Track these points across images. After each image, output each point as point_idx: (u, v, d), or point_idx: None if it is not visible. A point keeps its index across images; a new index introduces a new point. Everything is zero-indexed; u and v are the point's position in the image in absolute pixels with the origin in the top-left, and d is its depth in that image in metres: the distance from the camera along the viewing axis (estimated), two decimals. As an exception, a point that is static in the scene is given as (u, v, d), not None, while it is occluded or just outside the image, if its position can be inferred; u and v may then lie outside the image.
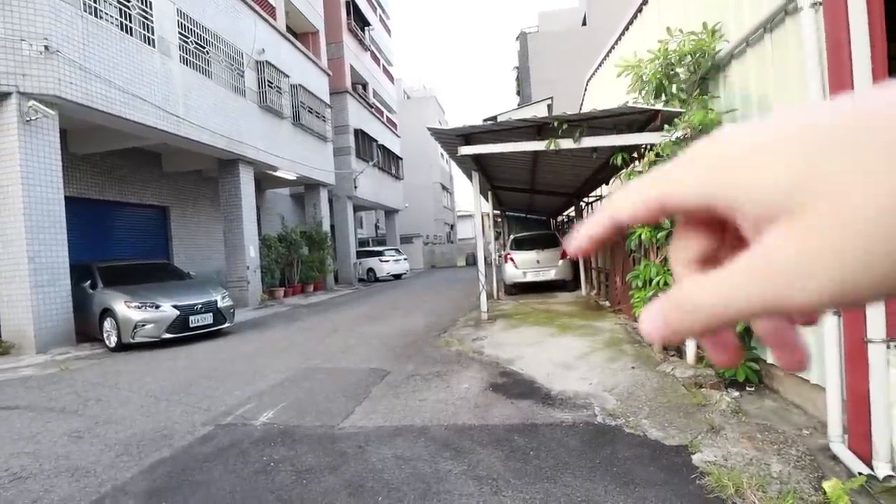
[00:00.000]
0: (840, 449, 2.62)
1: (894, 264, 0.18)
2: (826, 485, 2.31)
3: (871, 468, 2.38)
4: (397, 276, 22.20)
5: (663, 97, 5.09)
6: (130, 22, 8.87)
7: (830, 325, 2.70)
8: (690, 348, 4.66)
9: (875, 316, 2.40)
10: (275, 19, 14.45)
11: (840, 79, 2.57)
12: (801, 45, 3.03)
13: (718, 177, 0.22)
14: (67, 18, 7.57)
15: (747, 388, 3.86)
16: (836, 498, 2.19)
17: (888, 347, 2.39)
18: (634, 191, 0.26)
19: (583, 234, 0.28)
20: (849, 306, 0.20)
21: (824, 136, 0.20)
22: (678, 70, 4.91)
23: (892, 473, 2.30)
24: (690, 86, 4.87)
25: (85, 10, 7.91)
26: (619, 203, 0.26)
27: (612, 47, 8.61)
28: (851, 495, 2.23)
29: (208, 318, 7.95)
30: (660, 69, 4.92)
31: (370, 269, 21.62)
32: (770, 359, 3.79)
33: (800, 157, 0.20)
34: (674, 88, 5.02)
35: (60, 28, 7.42)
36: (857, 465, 2.43)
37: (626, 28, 7.69)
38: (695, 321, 0.23)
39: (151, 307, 7.34)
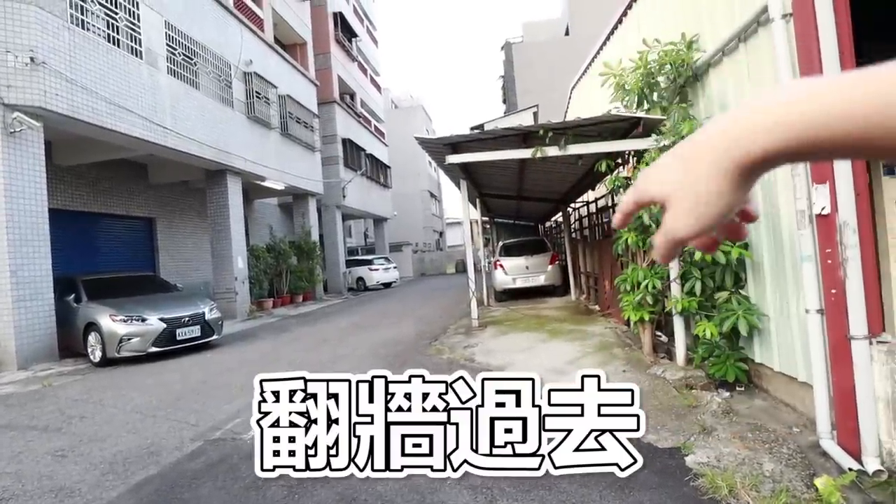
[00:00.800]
0: (830, 445, 2.64)
1: (702, 217, 0.43)
2: (818, 482, 2.33)
3: (861, 463, 2.41)
4: (387, 285, 22.11)
5: (645, 105, 5.17)
6: (118, 33, 8.82)
7: (814, 323, 2.74)
8: (680, 351, 4.69)
9: (857, 313, 2.44)
10: (263, 31, 14.46)
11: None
12: (773, 54, 3.10)
13: (650, 188, 0.48)
14: (54, 30, 7.50)
15: (737, 389, 3.89)
16: (828, 494, 2.21)
17: (871, 343, 2.43)
18: (626, 196, 0.51)
19: (617, 217, 0.56)
20: (702, 234, 0.45)
21: (676, 161, 0.45)
22: (658, 79, 5.00)
23: (880, 468, 2.33)
24: (671, 94, 4.96)
25: (71, 22, 7.85)
26: (623, 202, 0.53)
27: (595, 57, 8.74)
28: (843, 491, 2.25)
29: (196, 331, 7.83)
30: (641, 78, 5.01)
31: (360, 278, 21.51)
32: (758, 358, 3.83)
33: (666, 176, 0.46)
34: (655, 96, 5.11)
35: (46, 40, 7.35)
36: (846, 461, 2.46)
37: (608, 38, 7.83)
38: (661, 252, 0.49)
39: (137, 320, 7.22)
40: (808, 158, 0.40)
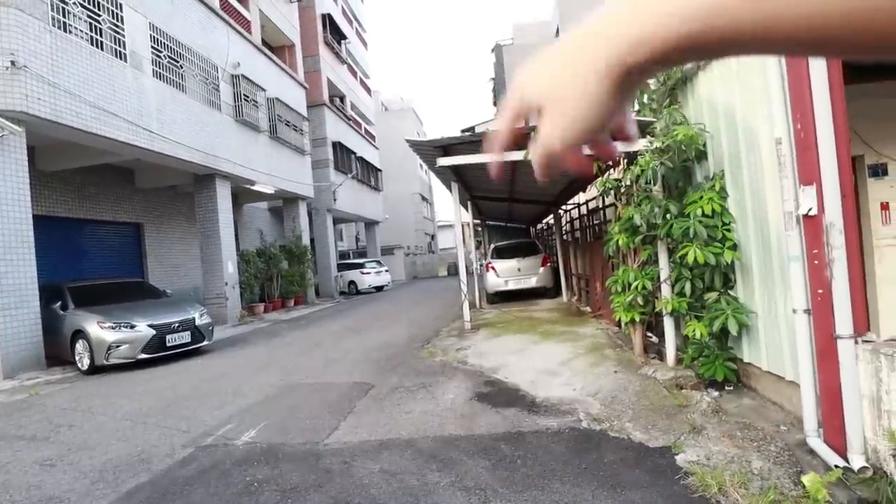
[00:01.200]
0: (816, 443, 2.69)
1: (576, 126, 0.39)
2: (805, 479, 2.37)
3: (847, 460, 2.45)
4: (379, 288, 22.06)
5: (635, 107, 5.23)
6: (101, 36, 8.71)
7: (801, 323, 2.79)
8: (670, 351, 4.74)
9: (843, 313, 2.49)
10: (250, 33, 14.38)
11: (799, 87, 2.69)
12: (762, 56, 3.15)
13: (526, 91, 0.42)
14: (35, 33, 7.39)
15: (726, 388, 3.95)
16: (815, 491, 2.26)
17: (856, 343, 2.48)
18: (504, 107, 0.45)
19: (496, 138, 0.48)
20: (574, 148, 0.41)
21: (553, 59, 0.40)
22: (648, 81, 5.06)
23: (866, 465, 2.38)
24: (661, 96, 5.02)
25: (53, 25, 7.74)
26: (501, 117, 0.46)
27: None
28: (829, 488, 2.30)
29: (186, 337, 7.76)
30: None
31: (351, 282, 21.44)
32: (747, 357, 3.88)
33: (541, 77, 0.40)
34: (645, 98, 5.17)
35: (28, 43, 7.25)
36: (833, 458, 2.50)
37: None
38: (536, 167, 0.44)
39: (126, 327, 7.13)
40: (704, 55, 0.35)
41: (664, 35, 0.33)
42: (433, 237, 47.39)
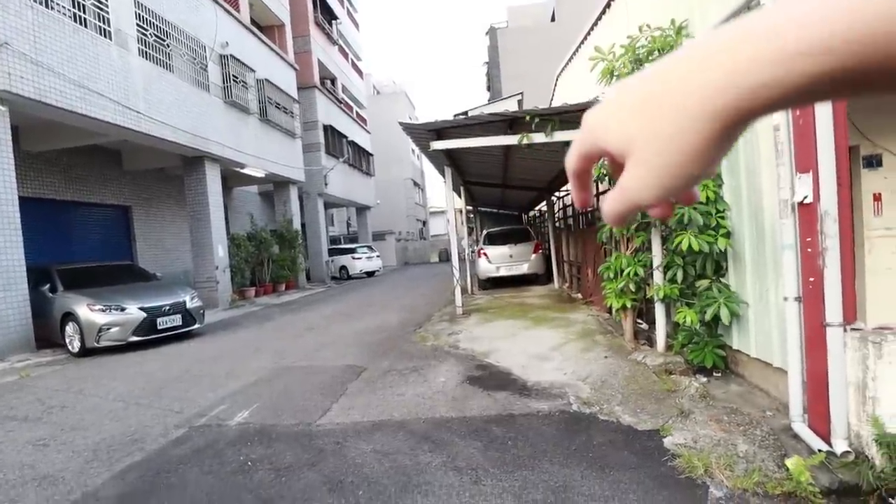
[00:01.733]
0: (801, 428, 2.76)
1: (673, 179, 0.33)
2: (788, 462, 2.44)
3: (830, 445, 2.52)
4: (370, 274, 22.05)
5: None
6: (84, 13, 8.46)
7: (792, 310, 2.83)
8: (660, 338, 4.81)
9: (833, 301, 2.54)
10: (238, 11, 14.05)
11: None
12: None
13: (603, 137, 0.36)
14: (16, 9, 7.16)
15: (714, 374, 4.02)
16: (798, 474, 2.32)
17: (845, 331, 2.53)
18: (571, 150, 0.40)
19: (571, 177, 0.42)
20: (665, 199, 0.35)
21: (640, 102, 0.34)
22: (646, 65, 5.03)
23: (848, 449, 2.45)
24: (658, 81, 4.99)
25: (35, 1, 7.50)
26: (568, 158, 0.41)
27: (582, 43, 8.74)
28: (812, 471, 2.36)
29: (177, 320, 7.72)
30: (629, 63, 5.03)
31: (343, 267, 21.40)
32: (736, 344, 3.95)
33: (626, 123, 0.34)
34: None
35: (8, 19, 7.02)
36: (817, 443, 2.57)
37: (595, 24, 7.82)
38: (611, 219, 0.38)
39: (116, 310, 7.08)
40: (833, 95, 0.29)
41: (796, 79, 0.27)
42: (425, 223, 47.30)
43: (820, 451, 2.50)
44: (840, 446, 2.47)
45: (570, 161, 0.40)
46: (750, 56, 0.28)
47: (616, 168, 0.38)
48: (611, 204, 0.37)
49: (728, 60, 0.29)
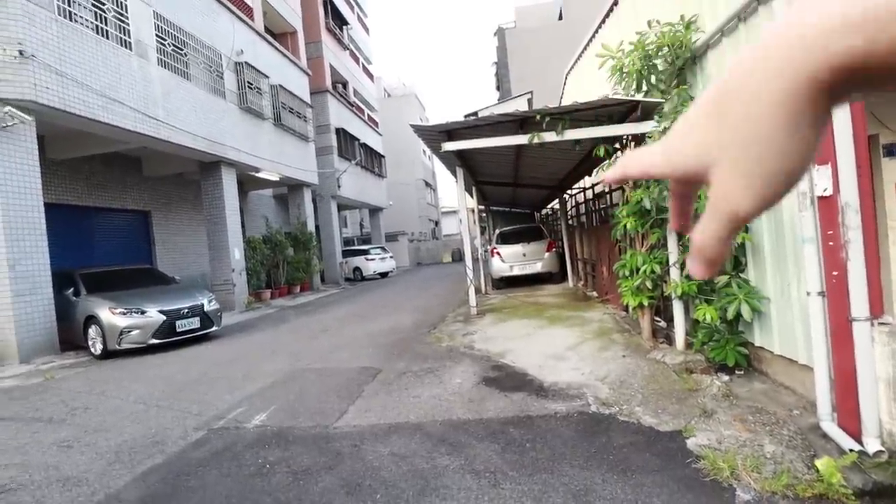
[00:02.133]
0: (830, 427, 2.67)
1: (773, 189, 0.29)
2: (818, 463, 2.36)
3: (861, 444, 2.43)
4: (384, 275, 22.11)
5: (644, 87, 5.14)
6: (106, 25, 8.66)
7: (816, 305, 2.75)
8: (679, 336, 4.73)
9: (858, 295, 2.46)
10: (252, 20, 14.24)
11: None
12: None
13: (681, 160, 0.33)
14: (42, 22, 7.37)
15: (737, 372, 3.93)
16: (829, 475, 2.25)
17: (872, 325, 2.45)
18: (635, 160, 0.37)
19: (606, 176, 0.41)
20: (773, 201, 0.30)
21: (711, 108, 0.31)
22: (656, 61, 4.96)
23: (881, 448, 2.36)
24: (669, 76, 4.92)
25: (59, 14, 7.71)
26: (627, 164, 0.38)
27: (590, 41, 8.67)
28: (844, 472, 2.28)
29: (195, 323, 7.83)
30: (638, 61, 4.96)
31: (356, 268, 21.50)
32: (758, 341, 3.86)
33: (702, 137, 0.31)
34: (653, 79, 5.07)
35: (35, 32, 7.23)
36: (847, 442, 2.49)
37: (603, 21, 7.75)
38: (715, 254, 0.33)
39: (137, 313, 7.20)
40: None
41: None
42: (437, 223, 47.35)
43: (851, 450, 2.42)
44: (872, 445, 2.39)
45: (637, 168, 0.37)
46: (834, 18, 0.25)
47: (680, 195, 0.37)
48: (704, 236, 0.33)
49: (808, 28, 0.26)
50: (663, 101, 4.79)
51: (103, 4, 8.64)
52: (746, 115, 0.28)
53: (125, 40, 9.07)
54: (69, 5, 7.95)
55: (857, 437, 2.47)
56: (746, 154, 0.29)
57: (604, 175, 0.42)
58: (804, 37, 0.26)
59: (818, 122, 0.27)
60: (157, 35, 9.94)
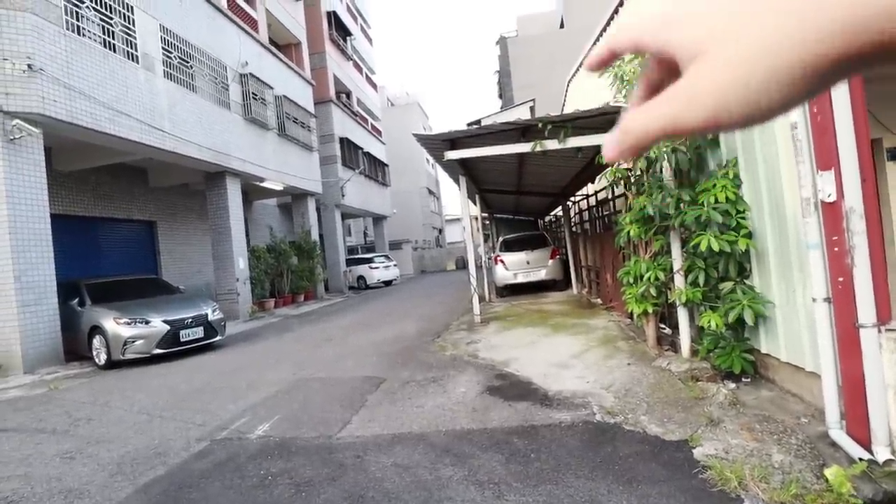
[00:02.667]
0: (839, 435, 2.63)
1: (751, 95, 0.25)
2: (828, 472, 2.32)
3: (871, 453, 2.39)
4: (388, 283, 22.11)
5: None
6: (113, 39, 8.80)
7: (822, 312, 2.72)
8: (685, 343, 4.68)
9: (865, 301, 2.43)
10: (257, 32, 14.41)
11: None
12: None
13: (662, 31, 0.28)
14: (50, 37, 7.49)
15: (743, 380, 3.89)
16: (839, 485, 2.21)
17: (879, 331, 2.41)
18: (619, 30, 0.32)
19: (592, 59, 0.35)
20: (724, 130, 0.27)
21: (732, 10, 0.25)
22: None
23: (891, 457, 2.32)
24: (671, 83, 4.92)
25: (68, 29, 7.84)
26: (611, 37, 0.32)
27: (591, 48, 8.69)
28: (853, 481, 2.24)
29: (199, 332, 7.84)
30: (639, 68, 4.97)
31: (360, 277, 21.51)
32: (764, 348, 3.82)
33: (702, 19, 0.26)
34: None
35: (43, 46, 7.35)
36: (856, 451, 2.45)
37: (604, 29, 7.79)
38: (631, 139, 0.30)
39: (141, 323, 7.22)
40: None
41: None
42: (441, 231, 47.38)
43: (861, 459, 2.38)
44: (882, 454, 2.35)
45: (611, 45, 0.32)
46: None
47: (659, 73, 0.31)
48: (653, 117, 0.29)
49: None
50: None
51: (111, 19, 8.78)
52: (768, 25, 0.24)
53: (132, 53, 9.20)
54: (77, 20, 8.08)
55: (867, 446, 2.43)
56: (746, 57, 0.25)
57: (588, 61, 0.35)
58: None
59: (834, 79, 0.25)
60: (163, 48, 10.07)
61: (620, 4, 6.87)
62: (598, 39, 8.23)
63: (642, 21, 0.30)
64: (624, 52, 0.32)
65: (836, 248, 2.55)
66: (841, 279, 2.55)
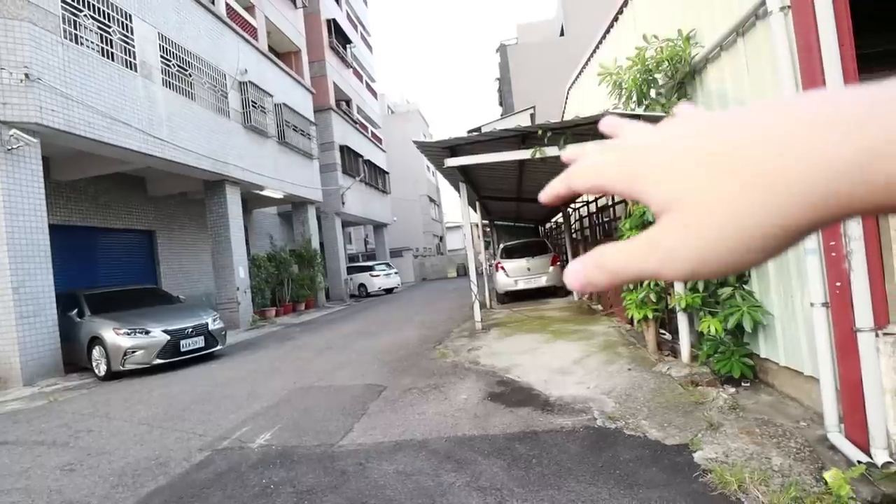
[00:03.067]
0: (838, 438, 2.64)
1: (728, 254, 0.25)
2: (827, 475, 2.33)
3: (870, 455, 2.41)
4: (389, 291, 22.10)
5: (644, 102, 5.19)
6: (112, 47, 8.84)
7: (819, 316, 2.74)
8: (685, 348, 4.70)
9: (862, 306, 2.45)
10: (257, 40, 14.50)
11: (812, 78, 2.65)
12: (772, 47, 3.12)
13: (635, 183, 0.29)
14: (48, 46, 7.53)
15: (743, 384, 3.90)
16: (838, 487, 2.22)
17: (877, 336, 2.43)
18: (585, 171, 0.32)
19: (548, 191, 0.37)
20: (701, 278, 0.28)
21: (695, 160, 0.26)
22: (656, 76, 5.02)
23: (890, 460, 2.33)
24: (669, 90, 4.97)
25: (65, 37, 7.87)
26: (574, 175, 0.33)
27: (591, 56, 8.77)
28: (852, 484, 2.25)
29: (200, 342, 7.83)
30: (638, 75, 5.02)
31: (361, 285, 21.50)
32: (763, 353, 3.83)
33: (678, 176, 0.27)
34: (653, 93, 5.12)
35: (41, 56, 7.38)
36: (855, 454, 2.46)
37: (604, 37, 7.85)
38: (604, 277, 0.30)
39: (141, 333, 7.21)
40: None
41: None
42: (441, 238, 47.40)
43: (859, 462, 2.39)
44: (881, 457, 2.36)
45: (584, 183, 0.32)
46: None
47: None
48: (622, 259, 0.29)
49: (870, 138, 0.22)
50: (664, 114, 4.83)
51: (109, 27, 8.83)
52: (747, 183, 0.24)
53: (130, 62, 9.24)
54: (75, 29, 8.12)
55: (866, 449, 2.44)
56: (722, 218, 0.25)
57: (545, 192, 0.37)
58: (866, 152, 0.22)
59: (803, 236, 0.25)
60: (161, 56, 10.12)
61: (620, 12, 6.94)
62: (597, 48, 8.30)
63: (612, 167, 0.30)
64: (588, 192, 0.33)
65: (833, 254, 2.58)
66: (838, 284, 2.57)
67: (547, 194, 0.37)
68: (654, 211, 0.28)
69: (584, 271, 0.31)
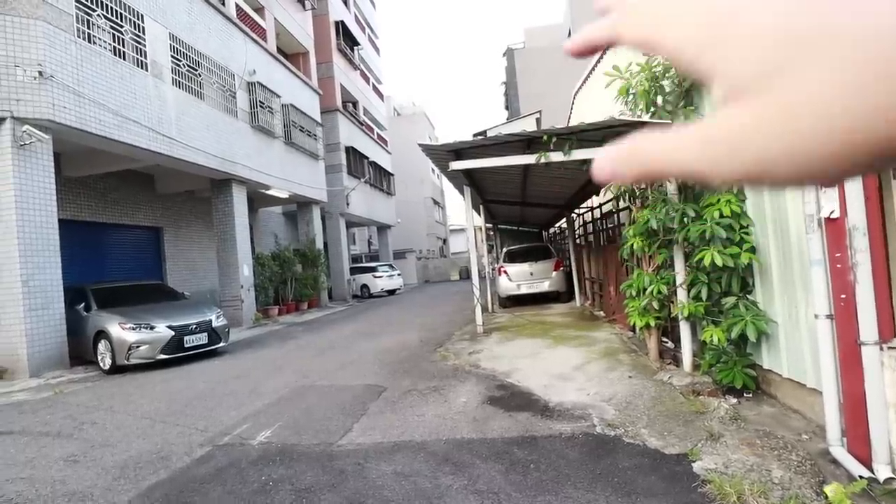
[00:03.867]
0: (840, 452, 2.63)
1: (808, 156, 0.20)
2: (828, 489, 2.32)
3: (872, 471, 2.39)
4: (391, 292, 22.13)
5: (651, 109, 5.19)
6: (123, 46, 8.95)
7: (824, 328, 2.73)
8: (686, 357, 4.68)
9: (867, 319, 2.44)
10: (265, 41, 14.61)
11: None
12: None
13: (700, 53, 0.22)
14: (61, 44, 7.63)
15: (745, 395, 3.88)
16: (839, 502, 2.21)
17: (881, 349, 2.42)
18: (634, 21, 0.26)
19: (577, 40, 0.30)
20: (759, 185, 0.22)
21: (799, 34, 0.20)
22: (663, 83, 5.02)
23: (892, 475, 2.32)
24: (676, 98, 4.97)
25: (78, 36, 7.98)
26: (620, 24, 0.27)
27: (598, 62, 8.78)
28: (853, 499, 2.24)
29: (203, 339, 7.88)
30: (646, 81, 5.03)
31: (364, 286, 21.54)
32: (766, 364, 3.82)
33: (775, 50, 0.20)
34: (660, 101, 5.12)
35: (54, 54, 7.49)
36: (857, 469, 2.45)
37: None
38: (637, 170, 0.25)
39: (146, 328, 7.27)
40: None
41: None
42: (445, 241, 47.42)
43: (861, 477, 2.38)
44: (883, 472, 2.35)
45: (591, 39, 0.28)
46: None
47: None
48: (670, 147, 0.24)
49: None
50: (670, 122, 4.84)
51: (121, 27, 8.94)
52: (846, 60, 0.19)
53: (141, 61, 9.35)
54: (88, 28, 8.23)
55: (868, 464, 2.43)
56: (810, 116, 0.19)
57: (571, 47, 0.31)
58: None
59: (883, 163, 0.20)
60: (172, 56, 10.23)
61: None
62: (604, 54, 8.30)
63: (671, 23, 0.24)
64: (626, 45, 0.26)
65: (838, 265, 2.57)
66: (843, 296, 2.56)
67: (574, 45, 0.30)
68: (719, 90, 0.23)
69: (616, 159, 0.26)
